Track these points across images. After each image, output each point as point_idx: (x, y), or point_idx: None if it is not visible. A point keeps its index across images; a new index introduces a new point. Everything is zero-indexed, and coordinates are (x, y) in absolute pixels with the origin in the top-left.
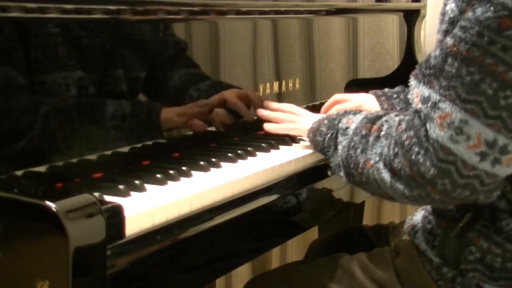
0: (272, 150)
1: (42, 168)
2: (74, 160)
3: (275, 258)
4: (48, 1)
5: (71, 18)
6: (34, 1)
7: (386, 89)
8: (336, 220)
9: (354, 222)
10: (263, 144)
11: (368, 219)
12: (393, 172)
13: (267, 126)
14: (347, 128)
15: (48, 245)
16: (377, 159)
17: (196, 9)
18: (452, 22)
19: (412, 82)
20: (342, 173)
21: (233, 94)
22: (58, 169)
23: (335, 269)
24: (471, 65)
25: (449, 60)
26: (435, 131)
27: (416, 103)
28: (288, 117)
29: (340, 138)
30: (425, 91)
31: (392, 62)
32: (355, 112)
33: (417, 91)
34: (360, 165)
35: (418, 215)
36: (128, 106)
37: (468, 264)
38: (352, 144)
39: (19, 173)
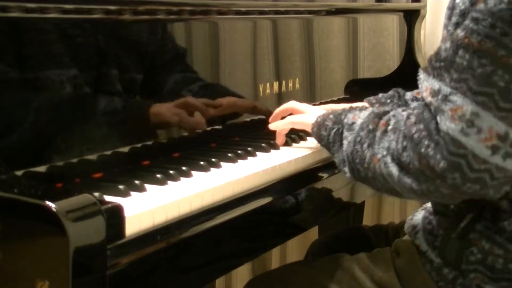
0: (272, 150)
1: (42, 168)
2: (74, 160)
3: (275, 258)
4: (48, 1)
5: (71, 18)
6: (34, 1)
7: (380, 95)
8: (336, 220)
9: (354, 222)
10: (263, 144)
11: (368, 219)
12: (401, 166)
13: (271, 126)
14: (353, 123)
15: (48, 245)
16: (385, 153)
17: (196, 9)
18: (463, 14)
19: (422, 75)
20: (346, 169)
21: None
22: (58, 169)
23: (335, 269)
24: (483, 56)
25: (460, 52)
26: (446, 124)
27: (426, 97)
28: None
29: (345, 134)
30: (435, 84)
31: (392, 62)
32: (361, 108)
33: (426, 84)
34: (366, 160)
35: (418, 215)
36: (129, 106)
37: (470, 265)
38: (358, 139)
39: (19, 173)
